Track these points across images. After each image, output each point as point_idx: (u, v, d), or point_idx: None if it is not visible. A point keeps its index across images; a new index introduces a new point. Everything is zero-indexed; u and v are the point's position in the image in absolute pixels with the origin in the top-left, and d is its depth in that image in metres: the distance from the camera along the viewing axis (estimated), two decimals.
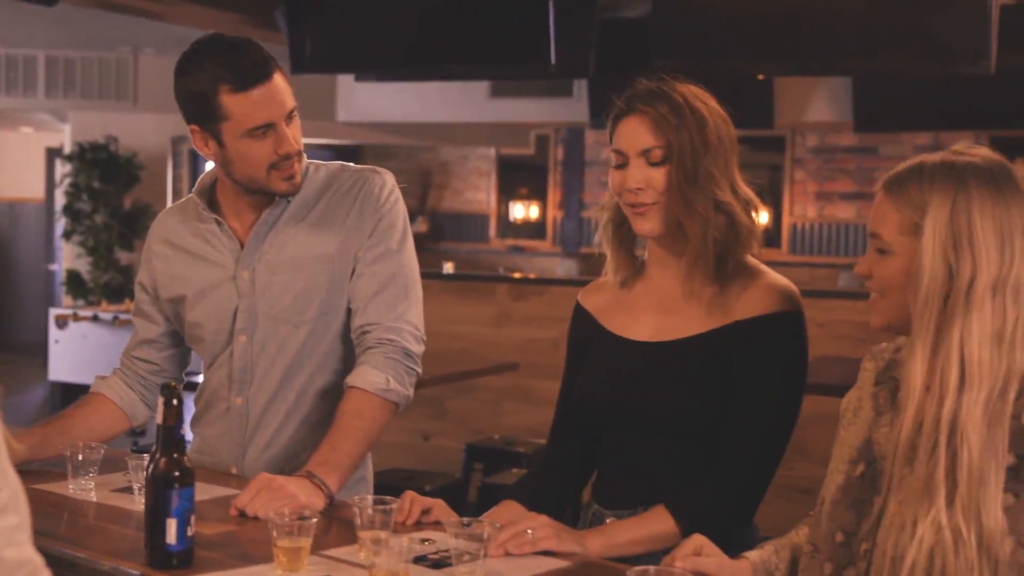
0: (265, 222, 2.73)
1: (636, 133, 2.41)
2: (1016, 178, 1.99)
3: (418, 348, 2.71)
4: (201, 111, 2.61)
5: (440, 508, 2.39)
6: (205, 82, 2.57)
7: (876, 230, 2.03)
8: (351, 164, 2.84)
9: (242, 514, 2.36)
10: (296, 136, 2.64)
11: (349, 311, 2.73)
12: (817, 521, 2.15)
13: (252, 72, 2.56)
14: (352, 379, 2.62)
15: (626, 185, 2.41)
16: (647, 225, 2.43)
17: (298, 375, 2.74)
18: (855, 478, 2.09)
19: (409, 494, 2.37)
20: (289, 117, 2.62)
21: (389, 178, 2.79)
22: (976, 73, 4.89)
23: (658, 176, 2.39)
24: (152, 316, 2.90)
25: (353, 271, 2.71)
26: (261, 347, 2.73)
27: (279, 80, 2.60)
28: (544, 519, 2.24)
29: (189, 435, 2.83)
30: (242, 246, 2.75)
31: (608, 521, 2.44)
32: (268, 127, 2.59)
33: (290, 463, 2.72)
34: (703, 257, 2.40)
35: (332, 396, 2.72)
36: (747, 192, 2.43)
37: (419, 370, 2.71)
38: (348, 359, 2.75)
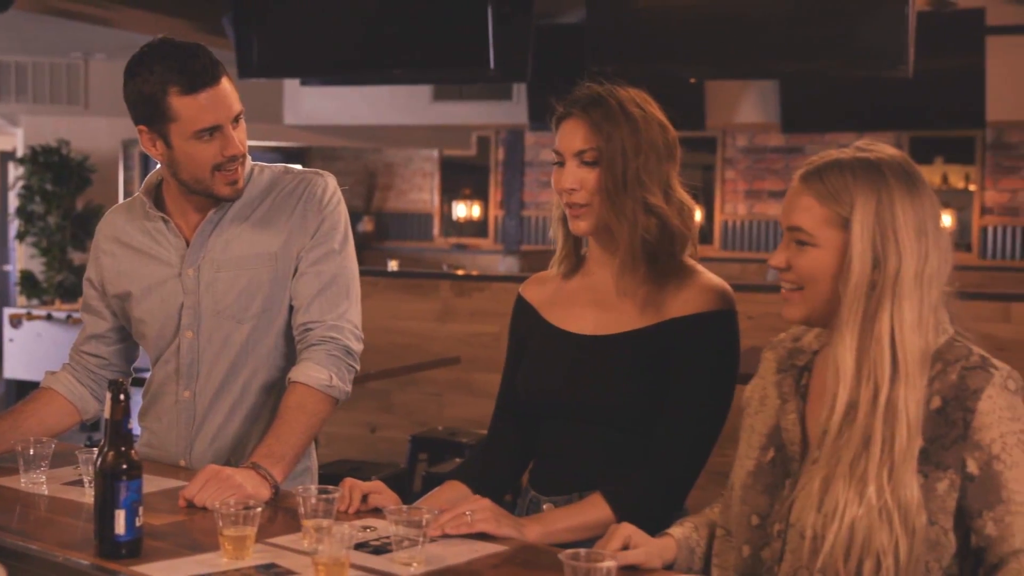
0: (210, 221, 2.72)
1: (572, 135, 2.43)
2: (919, 172, 2.03)
3: (358, 346, 2.72)
4: (150, 112, 2.59)
5: (379, 490, 2.39)
6: (155, 84, 2.56)
7: (796, 223, 2.03)
8: (295, 166, 2.84)
9: (190, 504, 2.35)
10: (241, 139, 2.63)
11: (291, 308, 2.73)
12: (728, 505, 2.17)
13: (201, 75, 2.54)
14: (295, 374, 2.62)
15: (562, 184, 2.43)
16: (581, 224, 2.45)
17: (242, 370, 2.73)
18: (766, 464, 2.11)
19: (348, 481, 2.37)
20: (236, 120, 2.61)
21: (331, 181, 2.79)
22: (895, 76, 4.93)
23: (591, 177, 2.41)
24: (100, 312, 2.88)
25: (296, 270, 2.71)
26: (207, 342, 2.72)
27: (226, 84, 2.59)
28: (485, 502, 2.25)
29: (137, 429, 2.81)
30: (187, 244, 2.73)
31: (545, 507, 2.45)
32: (215, 129, 2.58)
33: (236, 455, 2.72)
34: (633, 258, 2.41)
35: (275, 390, 2.72)
36: (683, 197, 2.44)
37: (358, 367, 2.72)
38: (290, 355, 2.74)
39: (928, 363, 1.95)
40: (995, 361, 1.97)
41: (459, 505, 2.25)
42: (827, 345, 2.09)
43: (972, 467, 1.92)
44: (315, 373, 2.61)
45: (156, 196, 2.77)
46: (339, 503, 2.24)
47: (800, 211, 2.04)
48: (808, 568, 1.97)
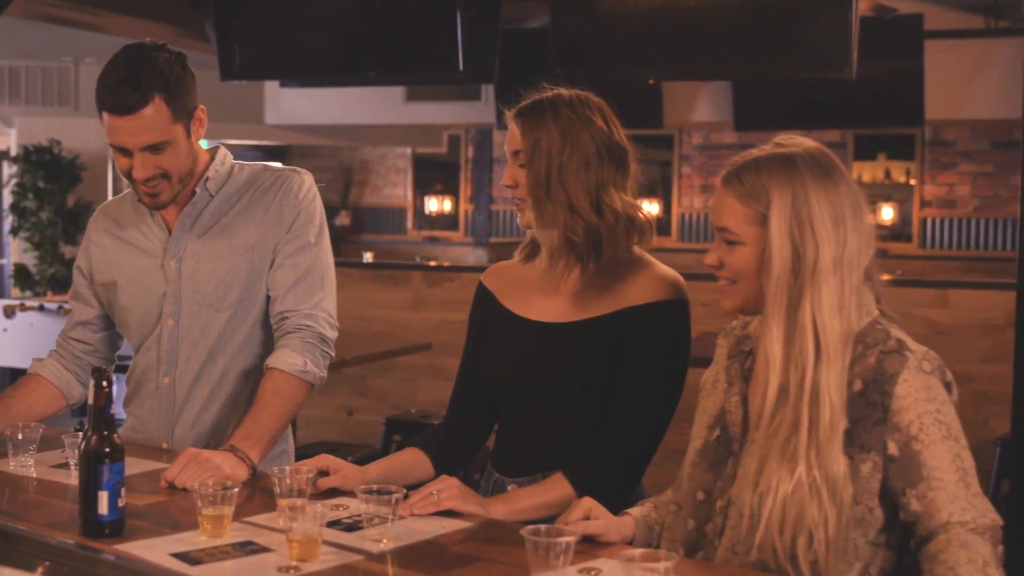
0: (189, 214, 2.71)
1: (511, 137, 2.47)
2: (837, 162, 2.03)
3: (332, 334, 2.70)
4: (100, 113, 2.58)
5: (325, 461, 2.36)
6: (97, 92, 2.55)
7: (723, 224, 2.04)
8: (273, 164, 2.83)
9: (171, 486, 2.33)
10: (160, 162, 2.57)
11: (268, 299, 2.71)
12: (679, 483, 2.17)
13: (119, 104, 2.51)
14: (272, 361, 2.61)
15: (503, 181, 2.47)
16: (523, 218, 2.47)
17: (220, 357, 2.72)
18: (712, 442, 2.11)
19: (292, 466, 2.24)
20: (152, 148, 2.55)
21: (308, 178, 2.77)
22: (840, 78, 4.95)
23: (523, 176, 2.43)
24: (88, 299, 2.86)
25: (273, 262, 2.69)
26: (186, 330, 2.71)
27: (148, 114, 2.52)
28: (452, 481, 2.24)
29: (122, 414, 2.79)
30: (170, 235, 2.72)
31: (509, 488, 2.44)
32: (123, 150, 2.56)
33: (216, 438, 2.70)
34: (556, 253, 2.44)
35: (253, 377, 2.70)
36: (615, 203, 2.41)
37: (332, 354, 2.71)
38: (267, 343, 2.73)
39: (850, 344, 1.95)
40: (911, 344, 1.96)
41: (426, 487, 2.24)
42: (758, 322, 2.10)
43: (892, 448, 1.91)
44: (291, 359, 2.60)
45: None
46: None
47: (724, 212, 2.04)
48: (745, 543, 1.97)
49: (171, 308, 2.71)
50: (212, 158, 2.74)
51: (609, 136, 2.43)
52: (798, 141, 2.04)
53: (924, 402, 1.91)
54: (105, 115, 2.54)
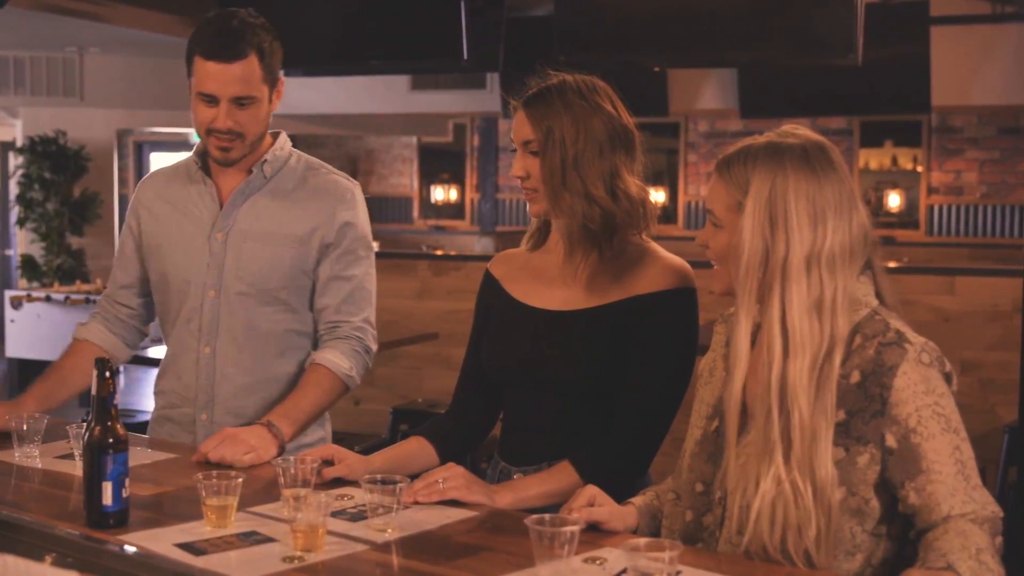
0: (242, 192, 2.77)
1: (519, 127, 2.44)
2: (832, 158, 2.00)
3: (375, 347, 2.82)
4: (188, 64, 2.69)
5: (330, 451, 2.37)
6: (192, 40, 2.67)
7: (710, 207, 2.06)
8: (327, 165, 2.88)
9: (207, 462, 2.42)
10: (241, 120, 2.66)
11: (307, 290, 2.77)
12: (679, 472, 2.17)
13: (218, 49, 2.61)
14: (320, 357, 2.71)
15: (512, 172, 2.46)
16: (533, 208, 2.47)
17: (259, 339, 2.77)
18: (710, 433, 2.11)
19: (297, 456, 2.22)
20: (239, 101, 2.64)
21: (360, 190, 2.86)
22: (846, 64, 4.92)
23: (536, 165, 2.41)
24: (132, 261, 2.91)
25: (319, 263, 2.75)
26: (227, 304, 2.75)
27: (244, 67, 2.62)
28: (458, 470, 2.23)
29: (138, 404, 2.79)
30: (221, 208, 2.77)
31: (515, 477, 2.43)
32: (211, 98, 2.64)
33: (254, 414, 2.72)
34: (571, 244, 2.44)
35: (288, 361, 2.78)
36: (629, 188, 2.41)
37: (370, 365, 2.83)
38: (306, 347, 2.80)
39: (841, 346, 1.93)
40: (911, 335, 1.94)
41: (431, 474, 2.23)
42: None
43: (891, 441, 1.90)
44: (338, 361, 2.70)
45: (204, 161, 2.81)
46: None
47: (713, 196, 2.06)
48: (740, 535, 1.96)
49: (213, 280, 2.76)
50: (273, 141, 2.80)
51: (618, 120, 2.42)
52: (798, 134, 2.03)
53: (923, 395, 1.90)
54: (199, 61, 2.63)
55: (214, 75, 2.62)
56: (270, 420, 2.54)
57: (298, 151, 2.87)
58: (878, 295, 2.02)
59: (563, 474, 2.34)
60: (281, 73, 2.74)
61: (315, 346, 2.80)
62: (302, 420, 2.62)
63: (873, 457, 1.91)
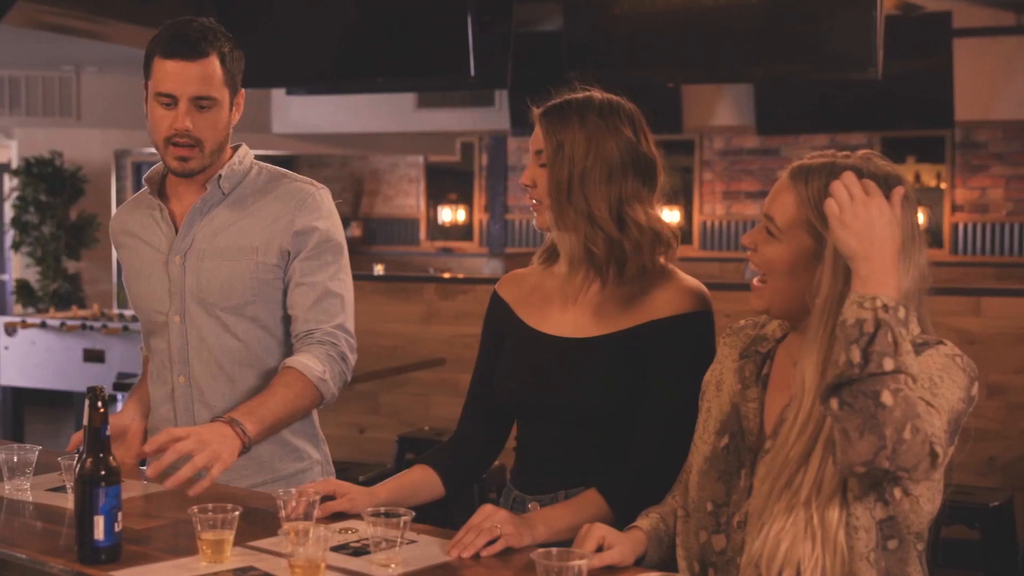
0: (199, 211, 2.73)
1: (536, 135, 2.45)
2: (911, 194, 1.99)
3: (352, 357, 2.71)
4: (145, 67, 2.67)
5: (332, 486, 2.34)
6: (151, 43, 2.65)
7: (771, 213, 2.02)
8: (294, 174, 2.82)
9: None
10: (199, 124, 2.63)
11: (276, 304, 2.71)
12: (686, 488, 2.15)
13: (181, 46, 2.60)
14: (291, 361, 2.61)
15: (522, 180, 2.47)
16: (539, 219, 2.46)
17: (232, 363, 2.71)
18: (720, 450, 2.09)
19: (297, 489, 2.21)
20: (199, 103, 2.62)
21: (326, 193, 2.78)
22: (865, 79, 4.94)
23: (544, 176, 2.41)
24: None
25: (286, 272, 2.70)
26: (194, 329, 2.71)
27: (206, 66, 2.61)
28: (502, 514, 2.16)
29: None
30: (177, 232, 2.74)
31: (530, 507, 2.41)
32: (171, 98, 2.61)
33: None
34: (575, 263, 2.43)
35: (268, 379, 2.67)
36: (640, 216, 2.39)
37: (349, 377, 2.71)
38: (275, 350, 2.73)
39: None
40: (952, 345, 1.95)
41: (474, 519, 2.15)
42: (791, 337, 2.08)
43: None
44: (311, 364, 2.60)
45: (161, 185, 2.80)
46: (288, 509, 2.14)
47: (778, 205, 2.02)
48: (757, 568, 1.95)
49: (176, 305, 2.72)
50: (233, 154, 2.77)
51: (636, 146, 2.41)
52: (880, 163, 2.00)
53: (937, 369, 1.89)
54: (158, 61, 2.61)
55: (173, 74, 2.60)
56: (233, 417, 2.42)
57: (261, 163, 2.82)
58: (920, 322, 2.00)
59: (592, 504, 2.32)
60: (242, 89, 2.72)
61: None
62: (269, 420, 2.48)
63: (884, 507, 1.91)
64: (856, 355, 1.76)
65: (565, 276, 2.46)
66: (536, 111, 2.46)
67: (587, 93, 2.45)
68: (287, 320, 2.73)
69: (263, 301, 2.70)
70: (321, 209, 2.73)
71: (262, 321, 2.71)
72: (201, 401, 2.72)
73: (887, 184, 1.95)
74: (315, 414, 2.83)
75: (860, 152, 2.04)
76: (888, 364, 1.75)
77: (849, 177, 1.88)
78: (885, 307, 1.78)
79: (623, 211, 2.38)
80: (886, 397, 1.73)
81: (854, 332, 1.78)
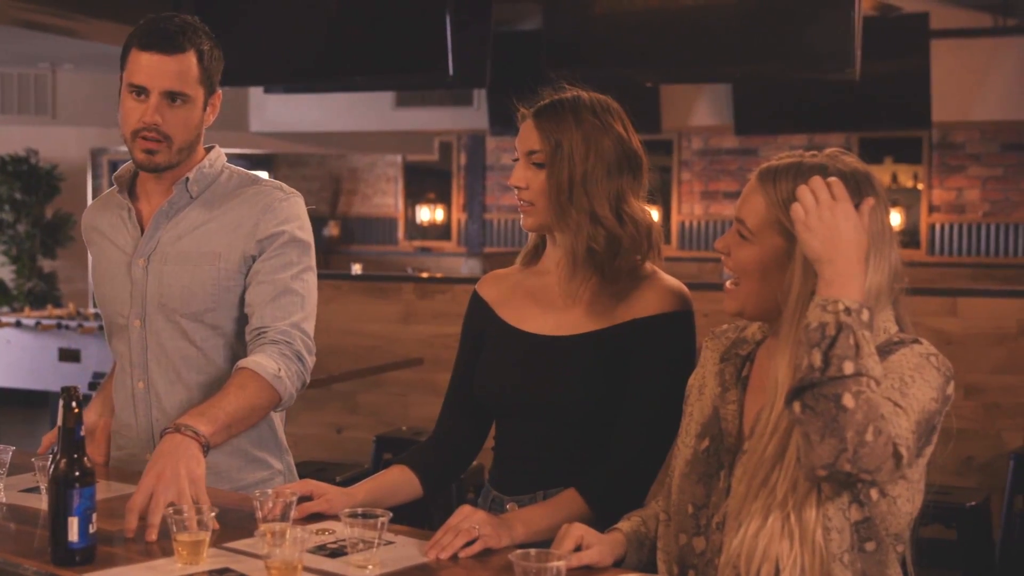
0: (165, 213, 2.69)
1: (527, 136, 2.43)
2: (880, 190, 2.00)
3: (309, 358, 2.62)
4: (122, 57, 2.64)
5: (309, 487, 2.33)
6: (129, 36, 2.63)
7: (742, 216, 2.03)
8: (266, 178, 2.79)
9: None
10: (169, 119, 2.59)
11: (238, 311, 2.66)
12: (668, 491, 2.15)
13: (158, 40, 2.58)
14: (243, 362, 2.52)
15: (511, 181, 2.44)
16: (528, 221, 2.45)
17: (190, 365, 2.67)
18: (700, 452, 2.10)
19: (274, 490, 2.19)
20: (171, 97, 2.59)
21: (297, 200, 2.71)
22: (843, 79, 4.95)
23: (538, 178, 2.40)
24: None
25: (247, 276, 2.65)
26: (154, 335, 2.67)
27: (182, 61, 2.58)
28: (480, 515, 2.15)
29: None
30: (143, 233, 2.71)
31: (508, 507, 2.41)
32: (142, 90, 2.58)
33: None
34: (574, 264, 2.42)
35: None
36: (635, 213, 2.40)
37: (307, 378, 2.61)
38: (233, 358, 2.65)
39: None
40: (928, 344, 1.95)
41: (451, 521, 2.13)
42: (771, 340, 2.08)
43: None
44: (264, 363, 2.50)
45: (132, 185, 2.77)
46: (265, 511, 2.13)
47: (748, 208, 2.03)
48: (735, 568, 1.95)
49: (137, 309, 2.68)
50: (204, 157, 2.72)
51: (628, 143, 2.42)
52: (847, 160, 2.01)
53: (909, 369, 1.89)
54: (134, 52, 2.59)
55: (147, 66, 2.57)
56: (179, 423, 2.31)
57: (233, 166, 2.77)
58: (898, 321, 2.01)
59: (572, 504, 2.32)
60: (219, 90, 2.69)
61: None
62: (223, 420, 2.37)
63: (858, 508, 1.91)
64: (817, 359, 1.78)
65: (565, 278, 2.44)
66: (527, 111, 2.44)
67: (575, 92, 2.44)
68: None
69: (224, 308, 2.65)
70: (289, 213, 2.67)
71: (222, 329, 2.67)
72: (159, 407, 2.68)
73: (855, 180, 1.96)
74: (278, 424, 2.78)
75: (827, 150, 2.04)
76: (848, 367, 1.76)
77: (816, 182, 1.89)
78: (848, 310, 1.79)
79: (621, 207, 2.39)
80: (847, 400, 1.74)
81: (816, 335, 1.79)
